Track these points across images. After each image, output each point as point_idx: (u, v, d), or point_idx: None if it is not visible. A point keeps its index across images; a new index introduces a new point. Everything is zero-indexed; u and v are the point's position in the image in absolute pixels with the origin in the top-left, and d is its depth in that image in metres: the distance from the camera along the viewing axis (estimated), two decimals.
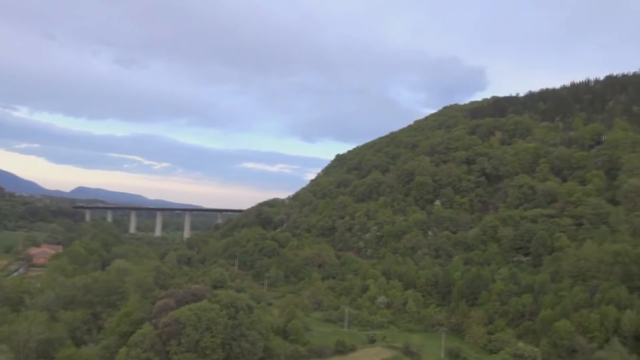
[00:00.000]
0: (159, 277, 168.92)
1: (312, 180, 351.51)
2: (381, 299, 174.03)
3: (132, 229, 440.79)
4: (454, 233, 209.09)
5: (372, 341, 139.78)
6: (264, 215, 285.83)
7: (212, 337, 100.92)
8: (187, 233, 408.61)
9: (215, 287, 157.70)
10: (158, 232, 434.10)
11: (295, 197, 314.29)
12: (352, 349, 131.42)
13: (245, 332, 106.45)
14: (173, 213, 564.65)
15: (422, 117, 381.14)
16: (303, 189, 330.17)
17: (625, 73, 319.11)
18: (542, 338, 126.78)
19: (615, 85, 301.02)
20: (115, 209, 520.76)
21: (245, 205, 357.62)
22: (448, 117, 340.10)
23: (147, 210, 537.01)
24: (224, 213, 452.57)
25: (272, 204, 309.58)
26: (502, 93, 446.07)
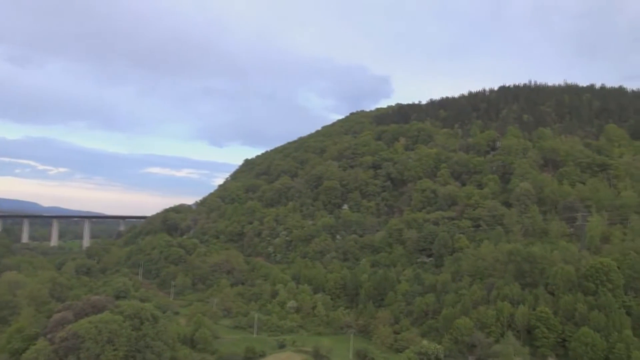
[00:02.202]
0: (55, 289, 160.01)
1: (220, 186, 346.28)
2: (291, 303, 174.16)
3: (25, 238, 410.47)
4: (361, 236, 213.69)
5: (281, 346, 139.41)
6: (170, 222, 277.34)
7: (114, 350, 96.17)
8: (86, 242, 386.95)
9: (117, 297, 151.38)
10: (54, 241, 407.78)
11: (203, 203, 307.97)
12: (262, 355, 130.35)
13: (151, 343, 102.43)
14: (71, 221, 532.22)
15: (330, 122, 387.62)
16: (211, 194, 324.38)
17: (517, 84, 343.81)
18: (444, 335, 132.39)
19: (508, 95, 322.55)
20: (5, 217, 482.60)
21: (150, 212, 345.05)
22: (355, 123, 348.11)
23: (41, 218, 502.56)
24: (127, 220, 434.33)
25: (179, 210, 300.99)
26: (405, 100, 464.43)
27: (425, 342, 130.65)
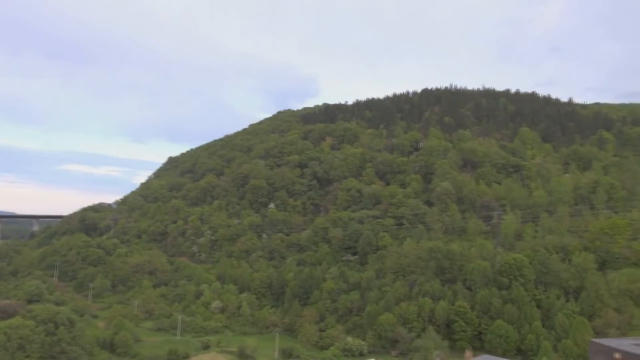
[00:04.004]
0: None
1: (142, 184, 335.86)
2: (215, 303, 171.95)
3: None
4: (287, 235, 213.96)
5: (206, 347, 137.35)
6: (88, 221, 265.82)
7: (26, 357, 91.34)
8: None
9: (30, 301, 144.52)
10: None
11: (124, 202, 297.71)
12: (185, 357, 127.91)
13: (67, 349, 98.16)
14: None
15: (257, 121, 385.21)
16: (132, 192, 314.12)
17: (439, 87, 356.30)
18: (368, 331, 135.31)
19: (430, 97, 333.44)
20: None
21: (66, 211, 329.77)
22: (282, 121, 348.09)
23: None
24: (41, 219, 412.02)
25: (98, 208, 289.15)
26: (332, 100, 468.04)
27: (349, 338, 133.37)
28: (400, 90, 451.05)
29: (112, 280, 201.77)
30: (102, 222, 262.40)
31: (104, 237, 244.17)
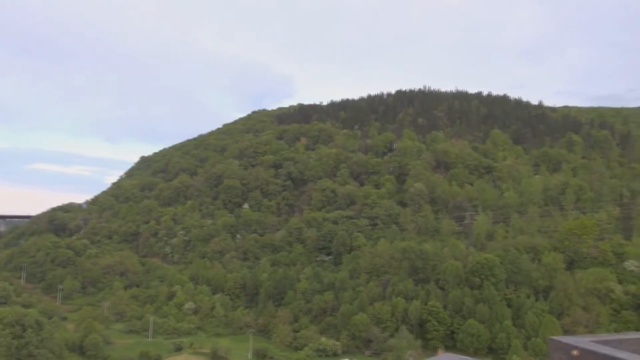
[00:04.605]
0: None
1: (114, 184, 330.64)
2: (188, 305, 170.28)
3: None
4: (261, 235, 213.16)
5: (178, 349, 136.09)
6: (58, 222, 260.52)
7: None
8: None
9: None
10: None
11: (95, 201, 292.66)
12: (157, 359, 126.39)
13: (35, 352, 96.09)
14: None
15: (231, 121, 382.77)
16: (104, 192, 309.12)
17: (412, 89, 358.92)
18: (342, 332, 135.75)
19: (404, 99, 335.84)
20: None
21: (35, 211, 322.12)
22: (257, 121, 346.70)
23: None
24: (9, 220, 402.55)
25: (68, 208, 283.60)
26: (307, 101, 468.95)
27: (323, 339, 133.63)
28: (374, 91, 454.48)
29: (82, 281, 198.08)
30: (71, 223, 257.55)
31: (74, 237, 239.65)
